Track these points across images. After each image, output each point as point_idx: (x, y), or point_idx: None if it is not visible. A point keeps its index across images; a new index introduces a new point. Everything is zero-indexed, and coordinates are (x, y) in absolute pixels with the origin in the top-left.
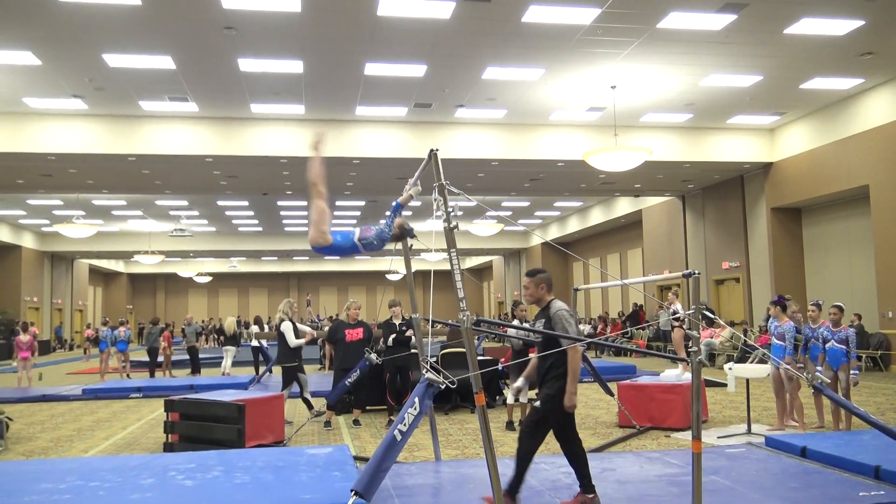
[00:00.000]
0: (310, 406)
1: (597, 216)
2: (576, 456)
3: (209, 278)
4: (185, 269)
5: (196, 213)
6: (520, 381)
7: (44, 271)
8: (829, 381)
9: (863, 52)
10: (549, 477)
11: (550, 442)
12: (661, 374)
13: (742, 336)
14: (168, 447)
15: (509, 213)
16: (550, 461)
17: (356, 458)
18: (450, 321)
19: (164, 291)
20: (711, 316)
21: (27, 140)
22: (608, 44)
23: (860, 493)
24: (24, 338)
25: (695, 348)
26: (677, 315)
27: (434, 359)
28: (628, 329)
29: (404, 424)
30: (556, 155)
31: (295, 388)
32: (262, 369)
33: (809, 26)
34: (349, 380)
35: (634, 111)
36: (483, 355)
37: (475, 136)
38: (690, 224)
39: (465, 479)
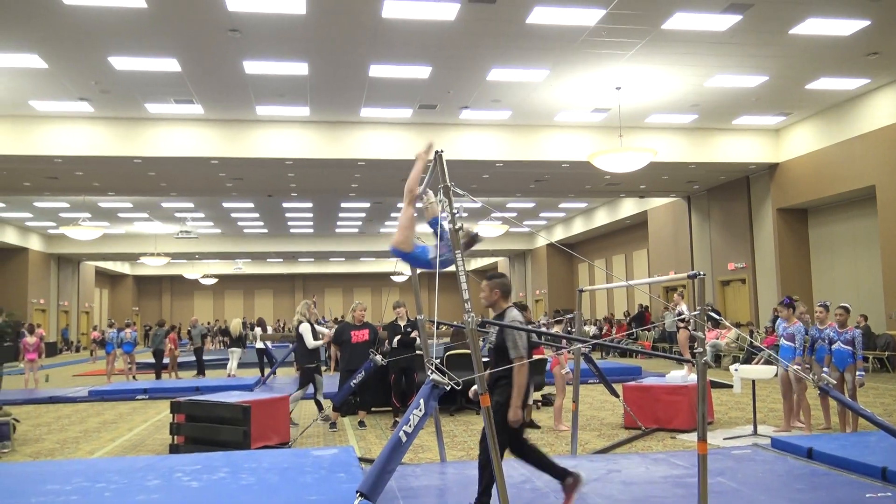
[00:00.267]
0: (320, 408)
1: (602, 217)
2: (528, 456)
3: (215, 280)
4: (191, 271)
5: (202, 214)
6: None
7: (50, 273)
8: (836, 382)
9: (868, 53)
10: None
11: (555, 444)
12: (667, 375)
13: (748, 337)
14: (174, 449)
15: (514, 214)
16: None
17: (361, 460)
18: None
19: (170, 293)
20: (717, 317)
21: (34, 143)
22: (613, 45)
23: (867, 495)
24: (30, 340)
25: (700, 349)
26: (683, 316)
27: (439, 360)
28: (634, 330)
29: (409, 426)
30: (561, 156)
31: (310, 388)
32: (267, 371)
33: (815, 26)
34: (354, 381)
35: (639, 112)
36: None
37: (480, 138)
38: (696, 225)
39: (470, 481)
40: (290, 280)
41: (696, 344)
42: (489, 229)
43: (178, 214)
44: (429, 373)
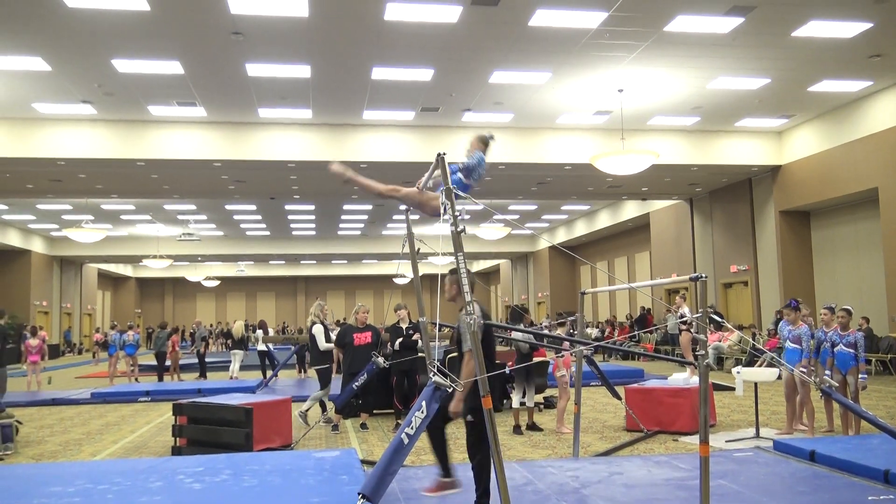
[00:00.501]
0: (324, 409)
1: (604, 220)
2: (435, 440)
3: (217, 282)
4: (194, 274)
5: (204, 217)
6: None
7: (53, 276)
8: (838, 385)
9: (871, 55)
10: (557, 481)
11: (557, 447)
12: (669, 377)
13: (750, 340)
14: (176, 451)
15: (516, 216)
16: (558, 465)
17: (363, 462)
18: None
19: (173, 295)
20: (719, 320)
21: (37, 145)
22: (615, 47)
23: (869, 498)
24: (33, 342)
25: (702, 352)
26: (685, 318)
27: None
28: (636, 332)
29: (411, 428)
30: (564, 158)
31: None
32: (269, 373)
33: (817, 29)
34: (356, 383)
35: (642, 114)
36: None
37: None
38: (698, 227)
39: (472, 483)
40: (292, 282)
41: (698, 346)
42: (491, 232)
43: (180, 217)
44: (431, 375)
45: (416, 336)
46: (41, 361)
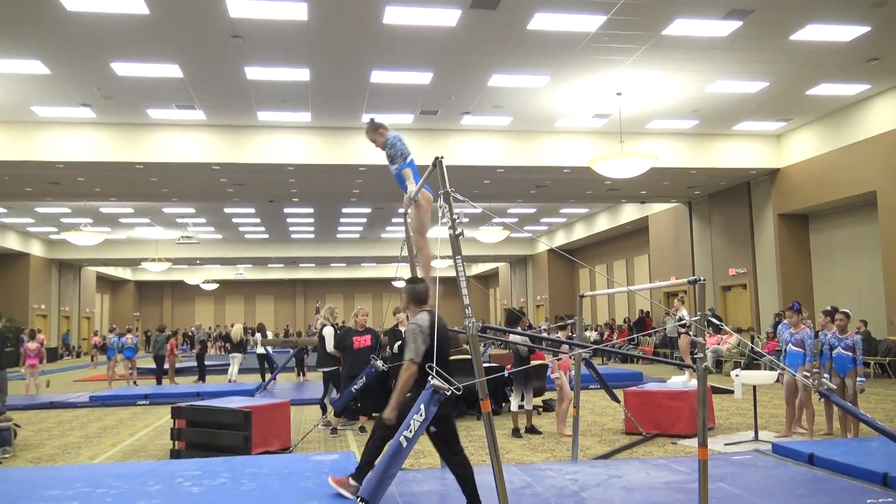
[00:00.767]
0: (324, 411)
1: (603, 223)
2: (372, 444)
3: (216, 285)
4: (192, 277)
5: (203, 220)
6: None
7: (51, 279)
8: (836, 387)
9: (869, 58)
10: (556, 484)
11: (556, 450)
12: (668, 380)
13: (749, 343)
14: (175, 454)
15: (515, 219)
16: (557, 468)
17: None
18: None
19: (171, 299)
20: (718, 323)
21: (35, 148)
22: (614, 51)
23: (868, 501)
24: (31, 345)
25: (701, 355)
26: (683, 322)
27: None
28: (635, 336)
29: (410, 431)
30: (562, 162)
31: (333, 393)
32: (268, 376)
33: (815, 32)
34: (355, 387)
35: (640, 118)
36: (489, 362)
37: (481, 144)
38: (697, 230)
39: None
40: (291, 285)
41: (696, 349)
42: (490, 235)
43: (179, 220)
44: (429, 378)
45: None
46: (39, 365)
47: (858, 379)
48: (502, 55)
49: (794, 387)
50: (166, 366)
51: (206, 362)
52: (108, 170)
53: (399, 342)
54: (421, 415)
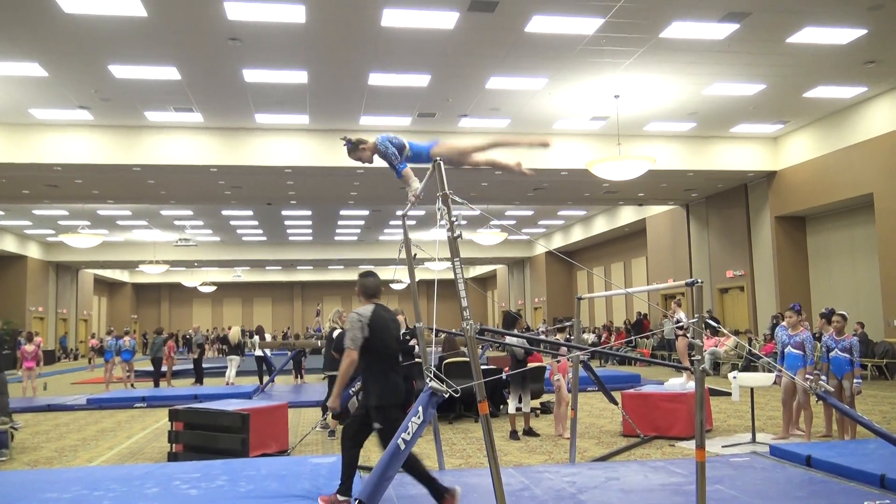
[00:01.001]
0: (324, 412)
1: (600, 225)
2: (347, 444)
3: (213, 288)
4: (190, 279)
5: (201, 222)
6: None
7: (49, 281)
8: (832, 389)
9: (865, 61)
10: (554, 486)
11: (554, 452)
12: (666, 382)
13: (746, 345)
14: (172, 457)
15: (513, 222)
16: (555, 470)
17: (360, 468)
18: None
19: (169, 301)
20: (715, 325)
21: (33, 151)
22: (611, 53)
23: (865, 503)
24: (29, 348)
25: (698, 357)
26: (681, 324)
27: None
28: (632, 338)
29: (408, 433)
30: (560, 164)
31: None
32: (266, 379)
33: (812, 35)
34: (353, 389)
35: (638, 120)
36: (487, 364)
37: None
38: (694, 233)
39: (468, 489)
40: (288, 288)
41: (694, 351)
42: (488, 237)
43: (177, 222)
44: (427, 380)
45: (412, 341)
46: (37, 367)
47: (855, 381)
48: (500, 58)
49: (792, 389)
50: (164, 368)
51: (204, 365)
52: (106, 172)
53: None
54: (419, 417)
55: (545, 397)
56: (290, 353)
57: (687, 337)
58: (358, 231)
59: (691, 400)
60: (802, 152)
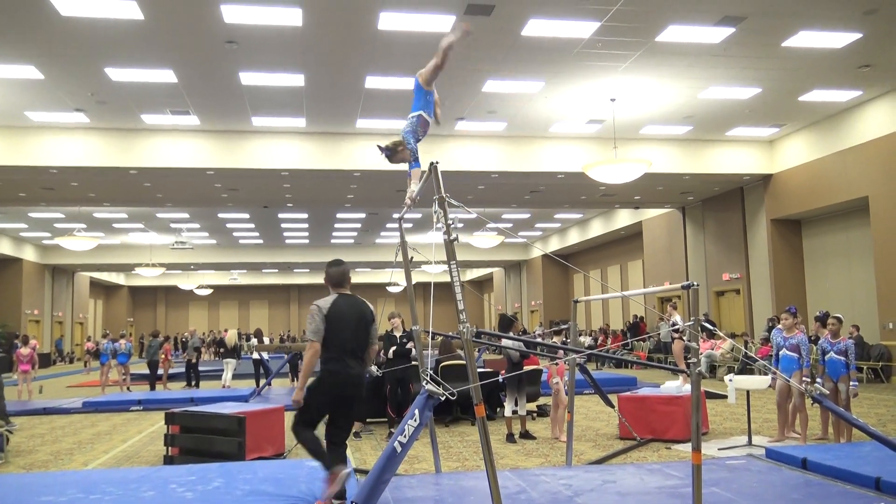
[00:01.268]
0: None
1: (597, 228)
2: (328, 444)
3: (210, 291)
4: (186, 282)
5: (197, 225)
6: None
7: (45, 284)
8: (828, 392)
9: (861, 65)
10: (550, 489)
11: (551, 455)
12: (662, 385)
13: (742, 348)
14: (168, 460)
15: (510, 225)
16: (551, 473)
17: (356, 471)
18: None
19: (165, 304)
20: (711, 328)
21: (29, 153)
22: (607, 57)
23: None
24: (24, 351)
25: (695, 360)
26: (677, 327)
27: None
28: (629, 341)
29: (404, 436)
30: (556, 167)
31: None
32: (262, 382)
33: (807, 39)
34: None
35: (634, 123)
36: (483, 367)
37: (475, 149)
38: (691, 236)
39: (465, 492)
40: (285, 291)
41: (690, 354)
42: (485, 240)
43: (173, 225)
44: (424, 383)
45: (409, 344)
46: (32, 370)
47: (851, 383)
48: (497, 61)
49: (787, 391)
50: (160, 371)
51: (200, 368)
52: (103, 175)
53: (393, 347)
54: (415, 420)
55: (541, 400)
56: (286, 356)
57: (683, 340)
58: (355, 234)
59: (688, 403)
60: (798, 155)
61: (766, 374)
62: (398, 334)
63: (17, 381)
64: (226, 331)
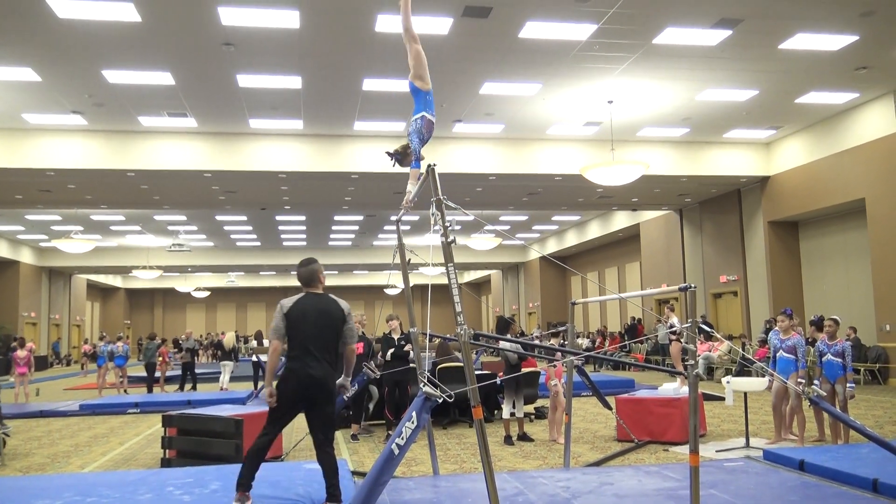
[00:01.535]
0: None
1: (594, 230)
2: (321, 463)
3: (207, 293)
4: (184, 284)
5: (194, 227)
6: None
7: (42, 286)
8: (825, 394)
9: (857, 67)
10: (548, 491)
11: (548, 457)
12: (660, 387)
13: (740, 350)
14: (166, 462)
15: (507, 227)
16: (549, 475)
17: (354, 473)
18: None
19: (162, 306)
20: (709, 330)
21: (26, 156)
22: (605, 59)
23: None
24: (21, 353)
25: (692, 362)
26: (675, 329)
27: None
28: (626, 343)
29: (402, 438)
30: (554, 169)
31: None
32: (261, 384)
33: (804, 41)
34: (347, 394)
35: (631, 126)
36: (481, 369)
37: (473, 151)
38: (688, 238)
39: (463, 494)
40: (282, 293)
41: (688, 356)
42: (482, 242)
43: (170, 227)
44: (421, 385)
45: (407, 346)
46: (29, 373)
47: (848, 385)
48: (494, 63)
49: (783, 393)
50: (157, 374)
51: (197, 370)
52: (100, 177)
53: (391, 349)
54: (413, 422)
55: (539, 402)
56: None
57: (681, 342)
58: (352, 236)
59: (685, 405)
60: (795, 158)
61: (763, 375)
62: (396, 336)
63: (14, 383)
64: (223, 333)
